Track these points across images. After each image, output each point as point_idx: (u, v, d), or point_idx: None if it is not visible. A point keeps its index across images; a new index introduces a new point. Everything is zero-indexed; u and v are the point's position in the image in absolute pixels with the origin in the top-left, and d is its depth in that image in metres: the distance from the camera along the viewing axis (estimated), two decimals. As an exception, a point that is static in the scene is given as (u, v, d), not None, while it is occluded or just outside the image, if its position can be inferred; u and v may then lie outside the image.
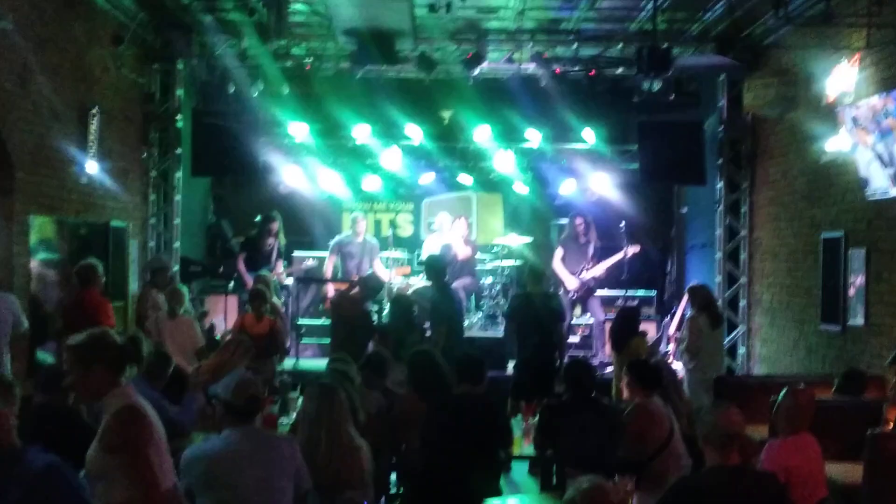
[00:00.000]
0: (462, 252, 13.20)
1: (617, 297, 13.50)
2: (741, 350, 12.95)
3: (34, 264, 9.20)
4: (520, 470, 8.37)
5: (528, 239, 14.73)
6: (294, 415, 7.25)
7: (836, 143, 9.54)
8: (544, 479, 7.04)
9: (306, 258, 13.86)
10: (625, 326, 9.79)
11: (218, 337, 11.42)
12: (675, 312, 12.51)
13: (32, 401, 5.99)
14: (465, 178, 15.51)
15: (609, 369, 11.64)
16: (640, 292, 13.92)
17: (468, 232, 13.66)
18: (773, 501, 4.70)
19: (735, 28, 11.75)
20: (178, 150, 13.01)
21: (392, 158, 14.53)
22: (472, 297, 13.96)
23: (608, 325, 12.63)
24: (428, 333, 10.17)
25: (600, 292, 13.18)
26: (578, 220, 13.03)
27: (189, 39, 12.36)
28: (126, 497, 4.14)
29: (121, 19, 11.30)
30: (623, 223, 13.08)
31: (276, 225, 13.05)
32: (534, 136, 14.37)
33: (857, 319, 9.31)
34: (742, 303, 12.99)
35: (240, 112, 12.55)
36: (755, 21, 11.49)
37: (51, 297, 9.56)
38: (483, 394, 6.83)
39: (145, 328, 9.95)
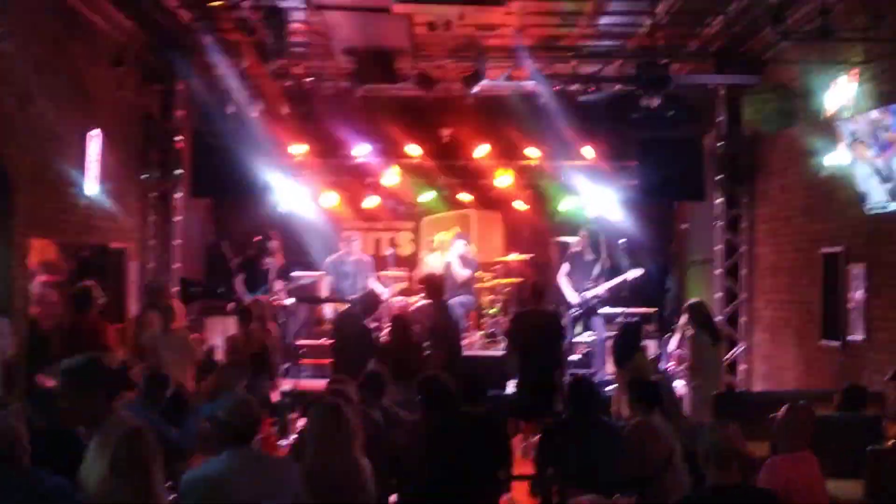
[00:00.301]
0: (461, 273, 13.18)
1: (617, 315, 13.46)
2: (741, 366, 12.90)
3: (35, 287, 9.19)
4: (521, 490, 8.33)
5: (528, 257, 14.73)
6: (293, 436, 7.23)
7: (835, 158, 9.54)
8: (545, 499, 7.01)
9: (301, 277, 13.85)
10: (627, 343, 9.76)
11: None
12: (675, 329, 12.48)
13: (31, 424, 5.96)
14: (465, 196, 15.52)
15: (609, 387, 11.63)
16: (641, 309, 13.87)
17: (467, 250, 13.65)
18: (774, 519, 4.68)
19: (734, 43, 11.79)
20: (178, 171, 13.01)
21: (392, 177, 14.55)
22: (471, 315, 13.93)
23: (609, 343, 12.66)
24: (427, 353, 10.13)
25: (602, 310, 13.13)
26: (582, 234, 12.96)
27: (189, 60, 12.42)
28: None
29: (121, 41, 11.33)
30: (623, 240, 13.05)
31: (274, 245, 13.05)
32: (533, 154, 14.39)
33: (857, 335, 9.29)
34: (742, 319, 12.96)
35: (240, 132, 12.55)
36: (753, 36, 11.52)
37: (54, 319, 9.54)
38: (484, 413, 6.82)
39: (140, 346, 9.90)
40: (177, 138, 12.92)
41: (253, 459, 4.90)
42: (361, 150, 14.08)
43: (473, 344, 13.41)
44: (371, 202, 15.43)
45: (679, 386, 9.72)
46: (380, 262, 14.70)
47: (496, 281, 14.18)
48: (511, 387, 10.84)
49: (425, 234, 15.88)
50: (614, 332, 12.96)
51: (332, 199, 15.13)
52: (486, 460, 6.50)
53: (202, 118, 13.06)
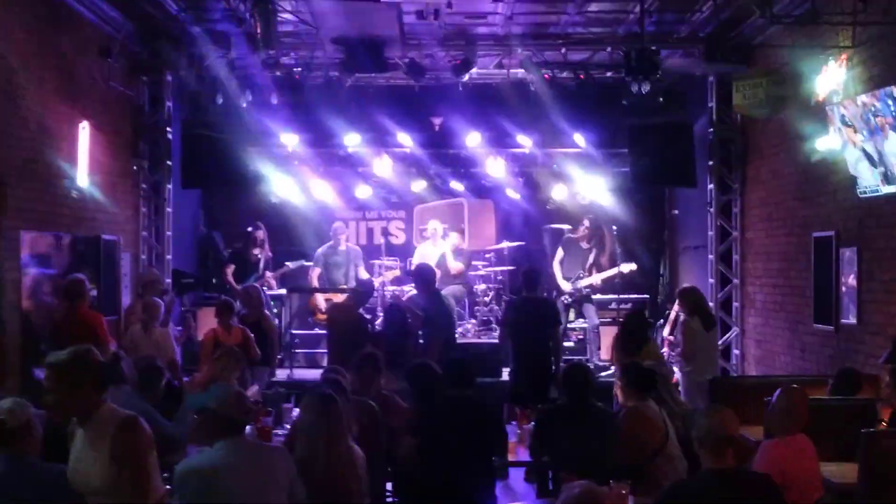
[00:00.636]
0: (454, 265, 13.18)
1: (610, 301, 13.49)
2: (735, 351, 12.95)
3: (28, 279, 9.16)
4: (516, 476, 8.35)
5: (521, 244, 14.74)
6: (288, 426, 7.23)
7: (826, 142, 9.55)
8: (541, 486, 7.02)
9: (288, 266, 13.82)
10: (639, 330, 9.74)
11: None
12: (668, 315, 12.51)
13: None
14: (457, 185, 15.51)
15: (604, 373, 11.66)
16: (634, 296, 13.90)
17: (461, 242, 13.63)
18: (769, 503, 4.69)
19: (723, 29, 11.78)
20: (169, 162, 12.99)
21: (383, 166, 14.54)
22: (466, 303, 13.94)
23: (602, 329, 12.71)
24: (421, 341, 10.14)
25: (594, 297, 13.14)
26: (585, 224, 12.96)
27: (177, 51, 12.35)
28: None
29: (108, 32, 11.29)
30: (615, 227, 13.06)
31: (262, 235, 13.05)
32: (524, 142, 14.39)
33: (850, 318, 9.31)
34: (735, 304, 13.00)
35: (230, 123, 12.52)
36: (743, 21, 11.51)
37: (46, 312, 9.52)
38: (473, 396, 6.83)
39: (121, 342, 9.87)
40: (167, 129, 12.88)
41: (246, 449, 4.91)
42: (352, 140, 14.06)
43: (468, 332, 13.43)
44: (363, 191, 15.41)
45: (675, 372, 9.72)
46: (372, 252, 14.70)
47: (489, 269, 14.18)
48: (506, 374, 10.86)
49: (418, 224, 15.88)
50: (607, 320, 13.06)
51: (323, 188, 15.10)
52: (478, 443, 6.51)
53: (191, 109, 13.03)
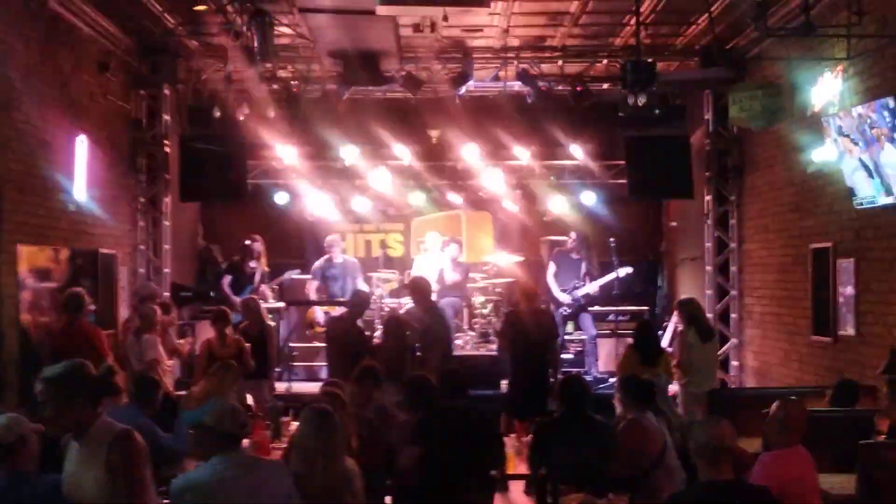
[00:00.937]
0: (451, 276, 13.17)
1: (609, 313, 13.48)
2: (733, 363, 12.94)
3: (27, 293, 9.15)
4: (515, 489, 8.33)
5: (519, 257, 14.75)
6: (286, 439, 7.22)
7: (822, 154, 9.57)
8: (539, 498, 7.01)
9: (288, 278, 13.83)
10: (655, 342, 9.75)
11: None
12: (666, 326, 12.52)
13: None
14: (455, 197, 15.53)
15: (602, 385, 11.67)
16: (632, 307, 13.89)
17: (459, 254, 13.64)
18: (767, 515, 4.69)
19: (719, 41, 11.81)
20: (167, 176, 13.00)
21: (380, 179, 14.55)
22: (464, 316, 13.93)
23: (600, 341, 12.72)
24: (419, 354, 10.13)
25: (592, 308, 13.14)
26: (572, 236, 13.01)
27: (175, 65, 12.42)
28: None
29: (106, 46, 11.31)
30: (612, 239, 13.07)
31: (258, 248, 13.03)
32: (522, 154, 14.41)
33: (848, 330, 9.32)
34: (733, 315, 13.00)
35: (227, 136, 12.55)
36: (739, 34, 11.56)
37: (45, 325, 9.51)
38: (468, 406, 6.82)
39: (118, 354, 9.84)
40: (164, 143, 12.90)
41: (242, 464, 4.89)
42: (350, 153, 14.08)
43: (466, 344, 13.42)
44: (361, 204, 15.42)
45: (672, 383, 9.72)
46: (370, 264, 14.70)
47: (487, 281, 14.18)
48: (504, 386, 10.85)
49: (415, 236, 15.88)
50: (606, 332, 13.07)
51: (321, 201, 15.11)
52: (477, 454, 6.49)
53: (189, 122, 13.05)
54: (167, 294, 12.95)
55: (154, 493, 4.58)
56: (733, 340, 12.94)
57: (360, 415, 6.93)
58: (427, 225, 15.54)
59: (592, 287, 12.72)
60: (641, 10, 10.63)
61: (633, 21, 10.96)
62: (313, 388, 10.32)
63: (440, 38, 11.90)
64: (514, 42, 12.41)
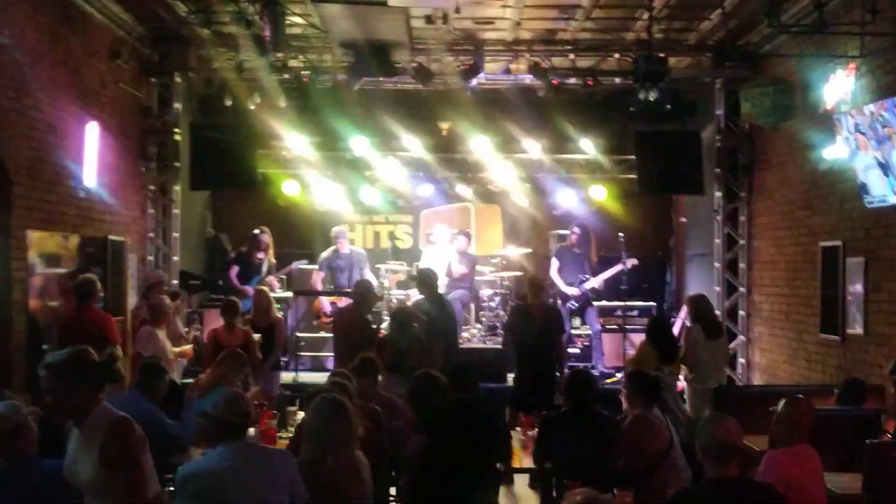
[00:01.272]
0: (458, 269, 13.15)
1: (616, 308, 13.46)
2: (741, 360, 12.91)
3: (37, 279, 9.17)
4: (520, 483, 8.34)
5: (527, 250, 14.74)
6: (292, 428, 7.24)
7: (833, 151, 9.54)
8: (544, 492, 7.02)
9: (296, 268, 13.84)
10: (673, 339, 9.74)
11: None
12: (674, 322, 12.50)
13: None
14: (464, 190, 15.52)
15: (609, 380, 11.67)
16: (640, 303, 13.88)
17: (468, 246, 13.63)
18: (773, 513, 4.68)
19: (731, 37, 11.77)
20: (177, 164, 13.02)
21: (390, 170, 14.55)
22: (471, 309, 13.93)
23: (605, 336, 12.72)
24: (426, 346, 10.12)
25: (599, 303, 13.12)
26: (574, 231, 12.98)
27: (186, 53, 12.45)
28: None
29: (118, 33, 11.33)
30: (621, 234, 13.05)
31: (265, 239, 13.00)
32: (532, 147, 14.38)
33: (857, 328, 9.29)
34: (741, 313, 12.97)
35: (237, 125, 12.56)
36: (751, 30, 11.52)
37: (53, 311, 9.52)
38: (475, 397, 6.82)
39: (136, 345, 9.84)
40: (175, 131, 12.92)
41: (247, 453, 4.90)
42: (359, 144, 14.08)
43: (473, 337, 13.43)
44: (370, 195, 15.42)
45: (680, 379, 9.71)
46: (379, 256, 14.71)
47: (496, 274, 14.17)
48: (511, 380, 10.86)
49: (424, 228, 15.88)
50: (613, 327, 13.06)
51: (330, 191, 15.12)
52: (482, 447, 6.49)
53: (200, 111, 13.06)
54: (175, 282, 12.98)
55: (155, 479, 4.58)
56: (741, 337, 12.91)
57: (364, 406, 6.93)
58: (436, 217, 15.54)
59: (599, 279, 12.70)
60: (654, 4, 10.60)
61: (645, 16, 10.93)
62: (320, 377, 10.35)
63: (452, 30, 11.89)
64: (526, 35, 12.38)
